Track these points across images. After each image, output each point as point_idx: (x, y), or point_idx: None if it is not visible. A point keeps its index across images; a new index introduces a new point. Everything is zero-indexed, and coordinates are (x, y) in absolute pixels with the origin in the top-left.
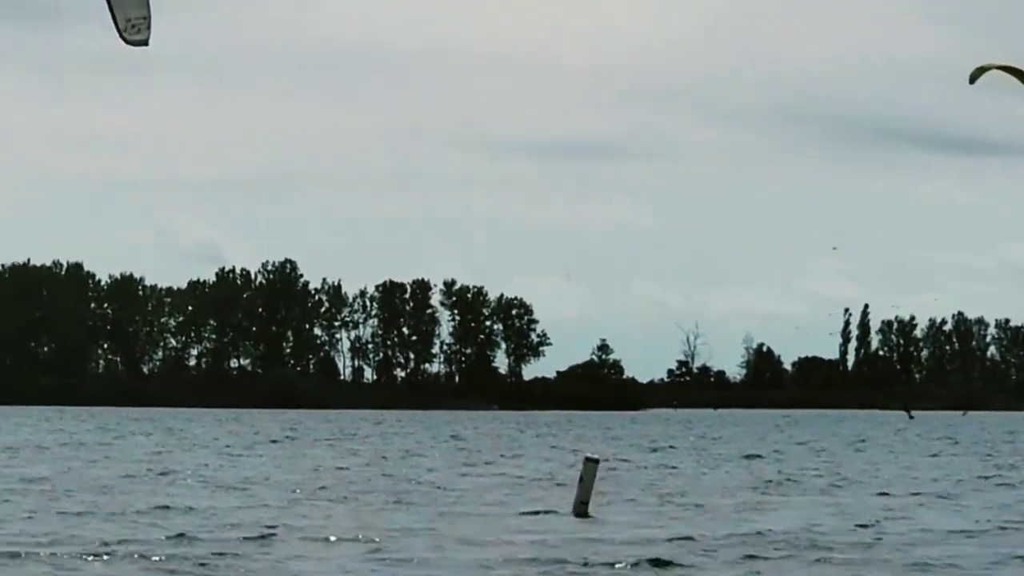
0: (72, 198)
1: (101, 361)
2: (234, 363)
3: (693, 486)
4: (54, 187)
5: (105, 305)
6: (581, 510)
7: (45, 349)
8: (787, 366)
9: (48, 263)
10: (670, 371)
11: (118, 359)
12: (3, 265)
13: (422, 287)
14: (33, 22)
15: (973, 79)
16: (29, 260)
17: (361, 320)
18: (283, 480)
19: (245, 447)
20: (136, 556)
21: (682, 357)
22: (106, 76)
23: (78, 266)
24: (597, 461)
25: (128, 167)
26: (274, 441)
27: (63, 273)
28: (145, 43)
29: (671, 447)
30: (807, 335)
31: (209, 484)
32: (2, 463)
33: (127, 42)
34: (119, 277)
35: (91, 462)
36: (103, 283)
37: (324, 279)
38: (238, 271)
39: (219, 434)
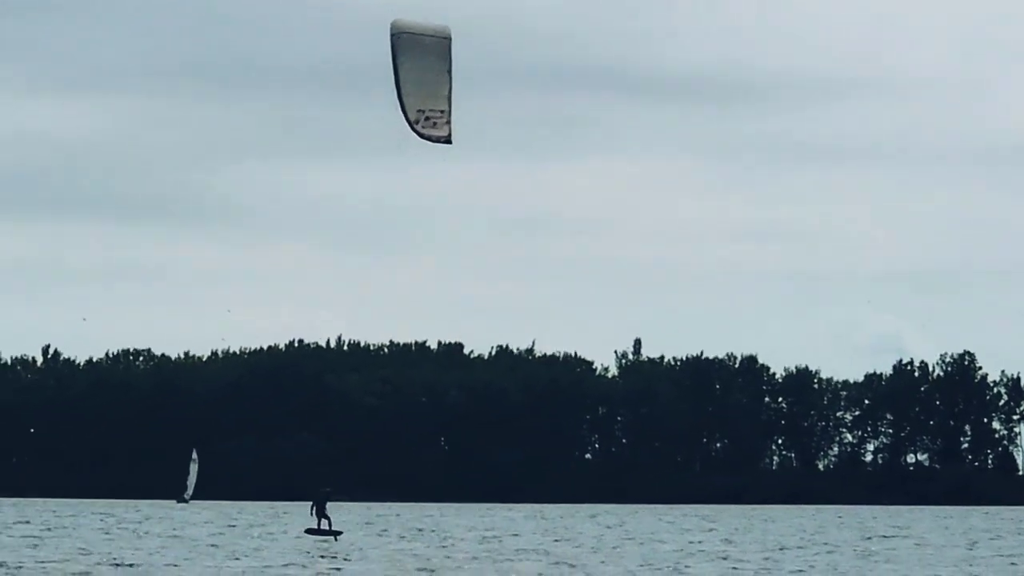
0: (748, 290)
1: (775, 457)
2: (910, 458)
3: None
4: (730, 279)
5: (780, 399)
6: None
7: (718, 445)
8: None
9: (722, 356)
10: None
11: (792, 455)
12: (675, 358)
13: None
14: (724, 110)
15: None
16: (702, 353)
17: None
18: None
19: None
20: None
21: None
22: (785, 163)
23: (752, 359)
24: None
25: (807, 259)
26: None
27: (736, 366)
28: (446, 140)
29: None
30: None
31: None
32: None
33: (421, 136)
34: (795, 371)
35: None
36: (778, 376)
37: (1003, 371)
38: (916, 364)
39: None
